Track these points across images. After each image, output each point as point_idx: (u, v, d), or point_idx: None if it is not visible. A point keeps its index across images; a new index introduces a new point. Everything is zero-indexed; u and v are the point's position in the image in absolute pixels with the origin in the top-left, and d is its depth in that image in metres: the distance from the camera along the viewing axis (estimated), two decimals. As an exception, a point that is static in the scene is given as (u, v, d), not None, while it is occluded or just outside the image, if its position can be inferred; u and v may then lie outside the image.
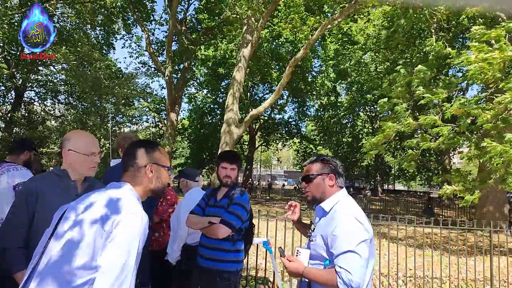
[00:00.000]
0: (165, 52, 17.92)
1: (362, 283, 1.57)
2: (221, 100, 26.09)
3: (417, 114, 6.47)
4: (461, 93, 14.93)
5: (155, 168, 1.39)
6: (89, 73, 14.75)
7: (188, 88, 26.52)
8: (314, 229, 1.85)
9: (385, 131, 6.44)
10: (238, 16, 13.07)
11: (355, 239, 1.61)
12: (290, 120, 30.56)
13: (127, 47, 26.30)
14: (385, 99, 6.92)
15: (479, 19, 8.50)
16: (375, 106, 26.59)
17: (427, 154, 28.35)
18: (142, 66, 23.26)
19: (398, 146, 25.25)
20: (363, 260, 1.59)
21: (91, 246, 1.12)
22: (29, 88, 17.93)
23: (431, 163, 27.93)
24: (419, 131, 6.38)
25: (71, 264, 1.11)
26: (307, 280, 1.74)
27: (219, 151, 13.05)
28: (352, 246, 1.59)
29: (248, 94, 26.44)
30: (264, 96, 27.35)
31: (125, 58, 73.67)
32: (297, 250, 1.84)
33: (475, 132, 6.39)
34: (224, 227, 2.34)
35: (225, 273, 2.42)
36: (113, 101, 17.32)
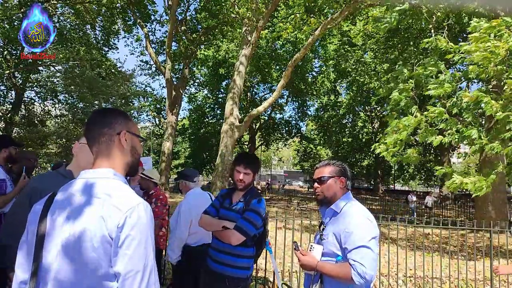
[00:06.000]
0: (165, 52, 17.92)
1: (374, 275, 1.72)
2: (221, 100, 26.08)
3: (421, 110, 6.36)
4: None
5: (130, 137, 1.18)
6: (87, 71, 14.70)
7: (188, 88, 26.55)
8: (324, 228, 1.98)
9: (399, 128, 6.28)
10: (238, 17, 13.07)
11: (368, 235, 1.76)
12: (290, 120, 30.61)
13: (128, 45, 26.32)
14: (396, 93, 6.70)
15: (480, 19, 8.45)
16: (375, 106, 26.54)
17: (427, 154, 28.33)
18: (143, 65, 23.30)
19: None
20: (374, 254, 1.74)
21: (102, 257, 1.00)
22: (29, 88, 17.90)
23: (430, 163, 27.90)
24: (422, 127, 6.20)
25: (91, 280, 1.00)
26: (319, 273, 1.86)
27: (219, 152, 13.04)
28: (365, 241, 1.74)
29: (248, 94, 26.44)
30: (264, 96, 27.36)
31: (126, 56, 73.43)
32: (311, 245, 1.95)
33: (480, 126, 6.32)
34: (238, 234, 2.24)
35: (235, 279, 2.34)
36: (111, 100, 17.30)
